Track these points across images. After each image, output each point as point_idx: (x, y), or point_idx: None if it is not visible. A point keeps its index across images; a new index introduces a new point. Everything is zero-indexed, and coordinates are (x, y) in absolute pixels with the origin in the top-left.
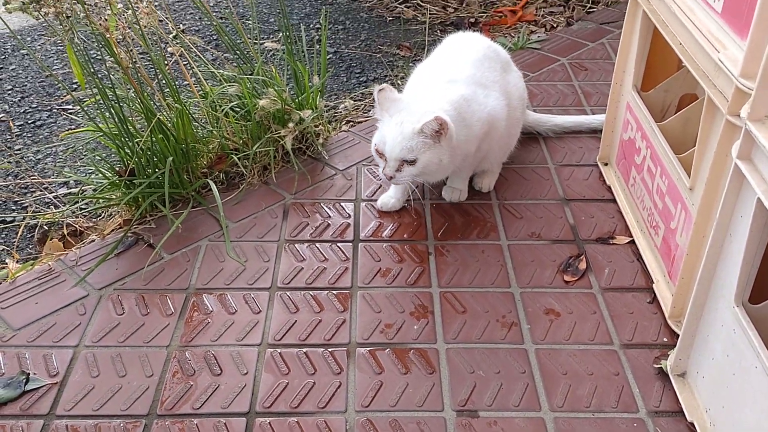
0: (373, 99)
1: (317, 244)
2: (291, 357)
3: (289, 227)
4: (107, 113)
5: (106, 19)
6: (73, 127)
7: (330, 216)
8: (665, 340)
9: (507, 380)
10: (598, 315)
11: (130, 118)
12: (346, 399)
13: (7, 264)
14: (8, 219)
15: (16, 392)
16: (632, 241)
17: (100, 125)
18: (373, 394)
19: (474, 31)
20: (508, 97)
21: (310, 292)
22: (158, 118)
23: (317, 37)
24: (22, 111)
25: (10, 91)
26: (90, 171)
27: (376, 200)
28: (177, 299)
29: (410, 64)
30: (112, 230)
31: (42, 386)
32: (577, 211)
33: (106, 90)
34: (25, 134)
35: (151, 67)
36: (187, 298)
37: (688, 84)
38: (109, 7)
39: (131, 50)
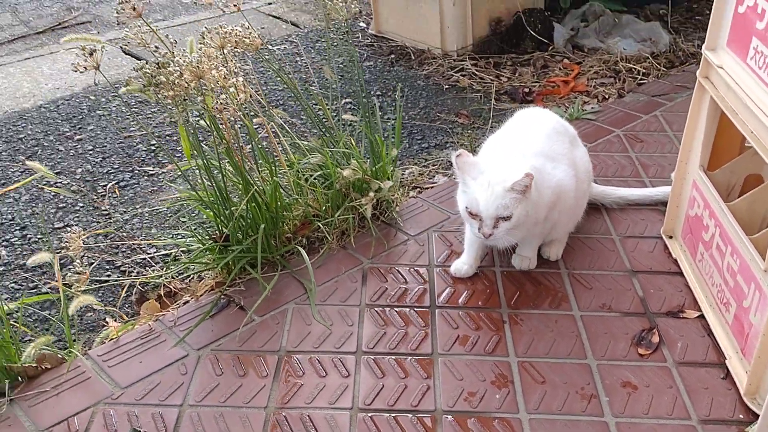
0: (447, 164)
1: (396, 309)
2: (382, 422)
3: (369, 291)
4: (207, 183)
5: (221, 102)
6: (155, 189)
7: (406, 281)
8: (741, 417)
9: None
10: (674, 389)
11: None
12: None
13: (108, 323)
14: (103, 278)
15: None
16: (702, 316)
17: (199, 193)
18: None
19: (528, 100)
20: (575, 169)
21: (394, 357)
22: (255, 189)
23: (379, 104)
24: (104, 171)
25: (91, 152)
26: (184, 235)
27: (448, 266)
28: (270, 361)
29: (468, 131)
30: (205, 292)
31: None
32: (645, 284)
33: (209, 162)
34: (110, 195)
35: (244, 136)
36: (279, 360)
37: (754, 165)
38: (222, 92)
39: (236, 128)
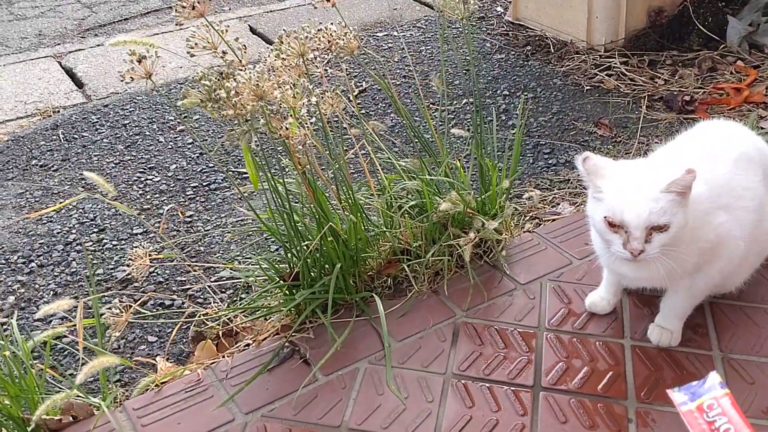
0: (576, 188)
1: (489, 386)
2: None
3: (459, 356)
4: (278, 213)
5: (287, 128)
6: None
7: (506, 347)
8: None
9: None
10: None
11: (301, 220)
12: None
13: (156, 363)
14: (167, 302)
15: None
16: None
17: (269, 224)
18: None
19: (688, 109)
20: (760, 211)
21: None
22: (331, 224)
23: (504, 106)
24: (198, 170)
25: (190, 146)
26: (252, 267)
27: (562, 331)
28: None
29: (609, 146)
30: (269, 335)
31: None
32: None
33: (279, 189)
34: (198, 198)
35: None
36: None
37: None
38: (291, 114)
39: (309, 155)
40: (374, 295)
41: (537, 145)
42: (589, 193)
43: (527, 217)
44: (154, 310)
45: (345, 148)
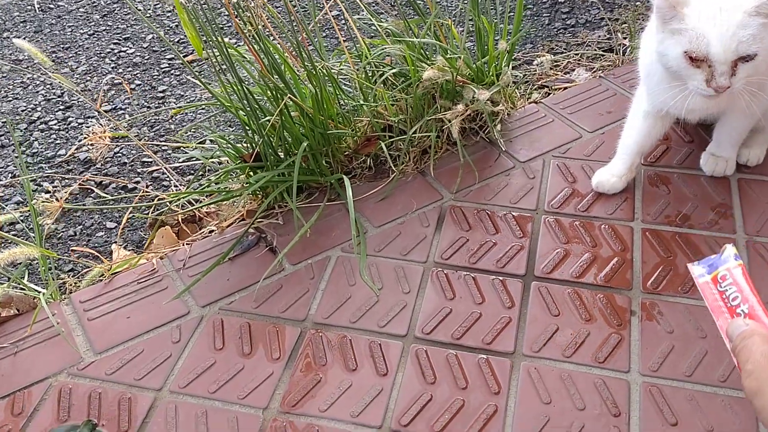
0: (596, 51)
1: (474, 275)
2: None
3: (442, 243)
4: (230, 84)
5: None
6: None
7: (497, 231)
8: None
9: None
10: None
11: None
12: None
13: (110, 252)
14: (130, 186)
15: None
16: None
17: (221, 97)
18: None
19: None
20: None
21: (455, 353)
22: (288, 98)
23: None
24: (177, 40)
25: (170, 14)
26: (211, 147)
27: (562, 214)
28: (289, 336)
29: (637, 3)
30: (235, 221)
31: None
32: None
33: (229, 56)
34: (173, 71)
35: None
36: (300, 336)
37: None
38: None
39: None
40: (343, 176)
41: (555, 4)
42: (657, 29)
43: (535, 86)
44: (116, 193)
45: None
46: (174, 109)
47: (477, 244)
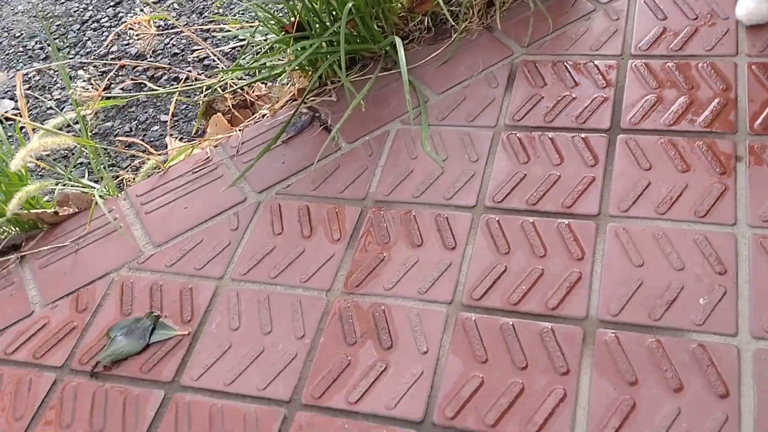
0: None
1: (551, 135)
2: (493, 332)
3: (514, 103)
4: None
5: None
6: None
7: (576, 84)
8: None
9: None
10: None
11: None
12: (573, 422)
13: (166, 145)
14: (182, 76)
15: (139, 344)
16: None
17: None
18: (617, 424)
19: None
20: None
21: (532, 219)
22: None
23: None
24: None
25: None
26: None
27: (654, 54)
28: (349, 216)
29: None
30: (287, 102)
31: (170, 338)
32: None
33: None
34: None
35: None
36: (362, 215)
37: None
38: None
39: None
40: (395, 37)
41: None
42: None
43: None
44: (168, 85)
45: None
46: None
47: (553, 100)
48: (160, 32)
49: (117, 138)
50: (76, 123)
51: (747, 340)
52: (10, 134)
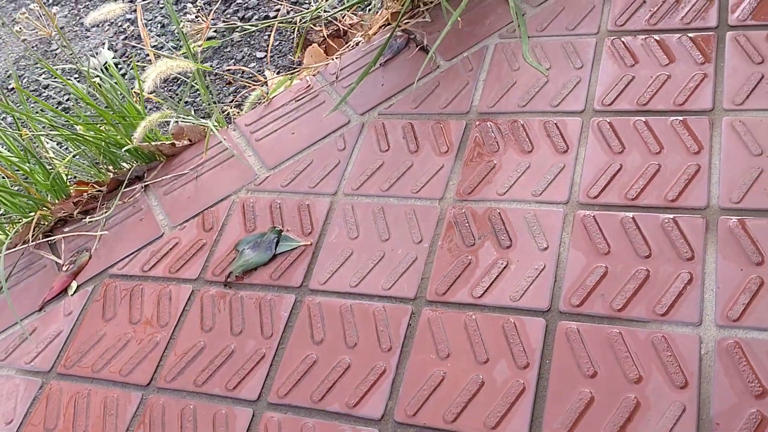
0: None
1: (657, 36)
2: (613, 226)
3: (615, 9)
4: None
5: None
6: None
7: None
8: None
9: None
10: None
11: None
12: (702, 304)
13: (266, 79)
14: (270, 16)
15: (266, 255)
16: None
17: None
18: (746, 300)
19: None
20: None
21: (644, 119)
22: None
23: None
24: None
25: None
26: None
27: None
28: (454, 129)
29: None
30: (380, 27)
31: (295, 248)
32: None
33: None
34: None
35: None
36: (467, 128)
37: None
38: None
39: None
40: None
41: None
42: None
43: None
44: (260, 24)
45: None
46: None
47: (656, 3)
48: None
49: (225, 69)
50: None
51: None
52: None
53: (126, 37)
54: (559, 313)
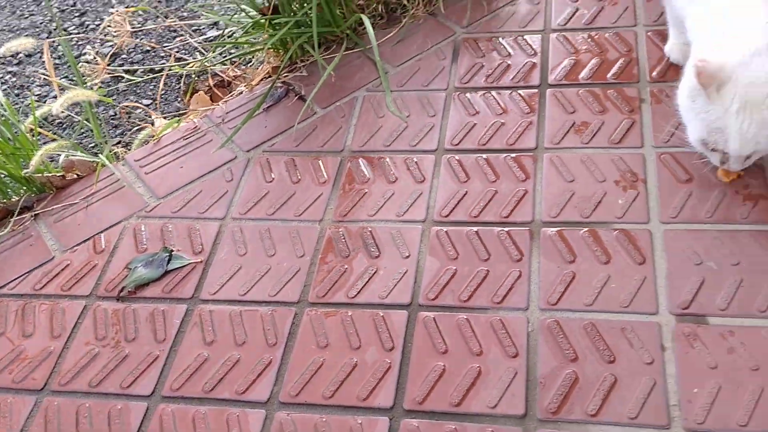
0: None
1: (494, 92)
2: (460, 238)
3: (460, 71)
4: None
5: None
6: None
7: (510, 54)
8: None
9: (750, 275)
10: None
11: None
12: (528, 293)
13: (152, 121)
14: (156, 68)
15: (158, 272)
16: None
17: None
18: (562, 289)
19: None
20: None
21: (484, 156)
22: None
23: None
24: None
25: None
26: (235, 11)
27: (570, 29)
28: (331, 164)
29: None
30: (261, 79)
31: (186, 265)
32: None
33: None
34: None
35: None
36: (341, 163)
37: None
38: None
39: None
40: (363, 16)
41: None
42: (686, 94)
43: None
44: (145, 76)
45: None
46: None
47: (492, 67)
48: (135, 30)
49: (119, 105)
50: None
51: (657, 227)
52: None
53: (7, 87)
54: (418, 306)
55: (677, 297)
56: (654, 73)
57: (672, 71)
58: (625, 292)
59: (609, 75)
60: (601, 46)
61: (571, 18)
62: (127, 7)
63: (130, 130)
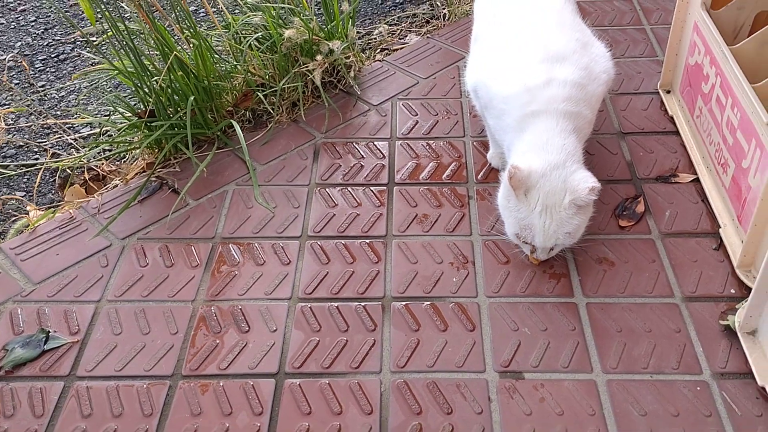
0: (422, 21)
1: (350, 188)
2: (322, 312)
3: (320, 169)
4: (122, 50)
5: None
6: (95, 62)
7: (363, 157)
8: (733, 291)
9: (555, 338)
10: (657, 264)
11: (147, 55)
12: (381, 358)
13: (28, 212)
14: (30, 163)
15: (35, 352)
16: (697, 180)
17: (116, 63)
18: (409, 354)
19: None
20: None
21: (342, 242)
22: (175, 54)
23: None
24: (45, 44)
25: (33, 23)
26: (110, 112)
27: (412, 138)
28: (203, 249)
29: None
30: (136, 174)
31: (62, 345)
32: (635, 146)
33: (118, 25)
34: (48, 69)
35: None
36: (213, 248)
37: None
38: None
39: None
40: (233, 121)
41: None
42: (503, 193)
43: (377, 50)
44: (18, 170)
45: None
46: (75, 74)
47: (347, 167)
48: (8, 126)
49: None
50: None
51: (483, 300)
52: None
53: None
54: (285, 374)
55: (500, 357)
56: (479, 176)
57: (493, 174)
58: (459, 354)
59: (444, 176)
60: (437, 152)
61: (412, 129)
62: (1, 106)
63: (3, 220)
